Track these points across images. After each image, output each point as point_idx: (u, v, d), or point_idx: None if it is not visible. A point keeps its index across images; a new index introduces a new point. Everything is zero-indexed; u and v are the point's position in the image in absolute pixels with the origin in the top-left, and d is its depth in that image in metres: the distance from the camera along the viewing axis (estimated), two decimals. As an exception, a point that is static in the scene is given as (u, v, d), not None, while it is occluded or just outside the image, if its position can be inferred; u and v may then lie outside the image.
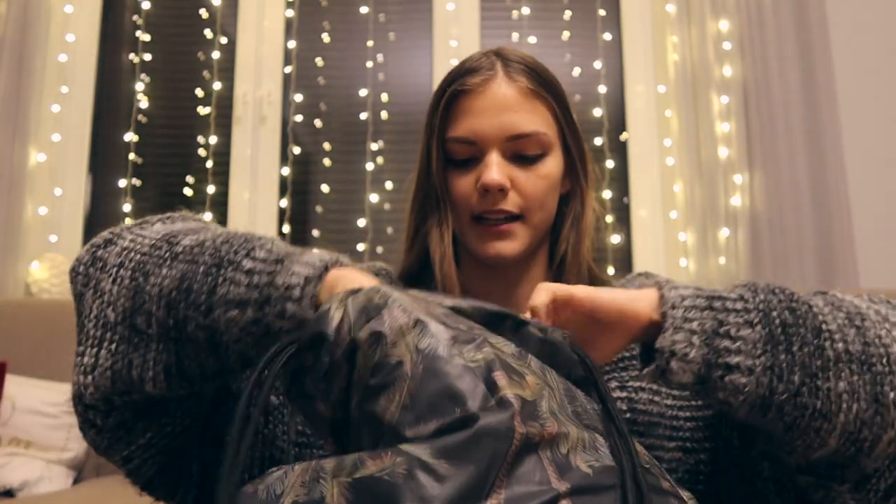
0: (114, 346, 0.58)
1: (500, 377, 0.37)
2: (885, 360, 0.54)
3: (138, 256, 0.59)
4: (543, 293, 0.54)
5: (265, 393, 0.40)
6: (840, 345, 0.54)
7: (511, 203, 0.75)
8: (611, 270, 2.35)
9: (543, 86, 0.78)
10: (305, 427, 0.68)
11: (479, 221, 0.77)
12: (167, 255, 0.58)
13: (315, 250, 0.56)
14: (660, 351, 0.53)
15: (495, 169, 0.74)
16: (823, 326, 0.55)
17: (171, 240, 0.59)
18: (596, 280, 0.84)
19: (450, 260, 0.78)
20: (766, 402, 0.52)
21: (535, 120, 0.76)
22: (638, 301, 0.56)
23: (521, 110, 0.75)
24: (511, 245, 0.76)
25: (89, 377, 0.59)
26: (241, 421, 0.39)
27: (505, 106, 0.75)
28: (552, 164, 0.78)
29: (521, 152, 0.76)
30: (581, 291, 0.55)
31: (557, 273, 0.82)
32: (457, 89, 0.77)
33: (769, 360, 0.53)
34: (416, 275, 0.83)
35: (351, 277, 0.52)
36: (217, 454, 0.67)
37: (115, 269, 0.60)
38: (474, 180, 0.76)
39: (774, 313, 0.55)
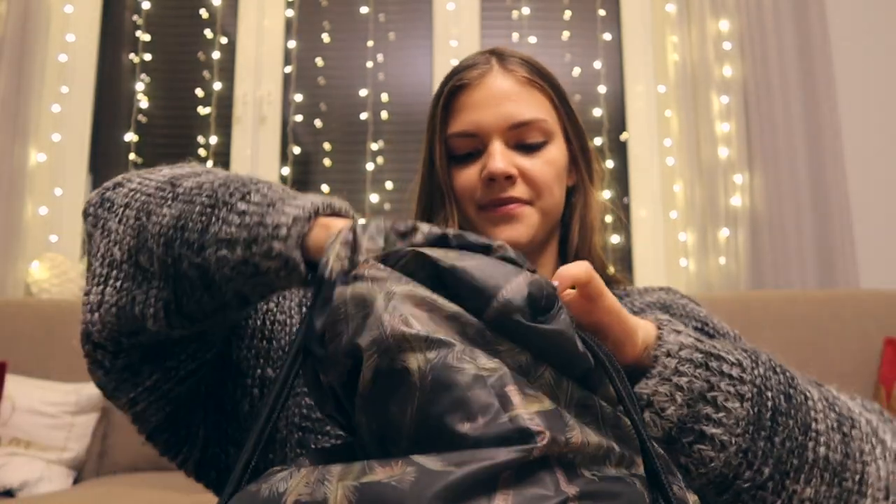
0: (119, 283, 0.59)
1: (512, 392, 0.37)
2: (857, 478, 0.52)
3: (143, 197, 0.60)
4: (583, 271, 0.46)
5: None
6: (822, 449, 0.51)
7: (519, 191, 0.75)
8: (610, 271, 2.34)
9: (540, 76, 0.78)
10: (310, 411, 0.68)
11: (486, 210, 0.75)
12: (169, 195, 0.59)
13: (312, 195, 0.55)
14: (636, 396, 0.49)
15: (499, 157, 0.73)
16: (813, 424, 0.51)
17: (174, 182, 0.60)
18: (612, 280, 0.84)
19: None
20: (726, 484, 0.50)
21: (534, 107, 0.76)
22: (636, 332, 0.50)
23: (519, 99, 0.76)
24: (521, 229, 0.74)
25: (96, 314, 0.59)
26: (275, 400, 0.40)
27: (503, 96, 0.75)
28: (556, 152, 0.77)
29: (524, 140, 0.76)
30: (612, 298, 0.48)
31: None
32: (455, 85, 0.77)
33: (746, 442, 0.49)
34: None
35: (341, 226, 0.50)
36: (220, 422, 0.68)
37: (121, 210, 0.61)
38: (478, 172, 0.75)
39: (769, 394, 0.51)
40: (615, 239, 2.36)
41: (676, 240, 2.38)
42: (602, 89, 2.48)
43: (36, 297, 2.26)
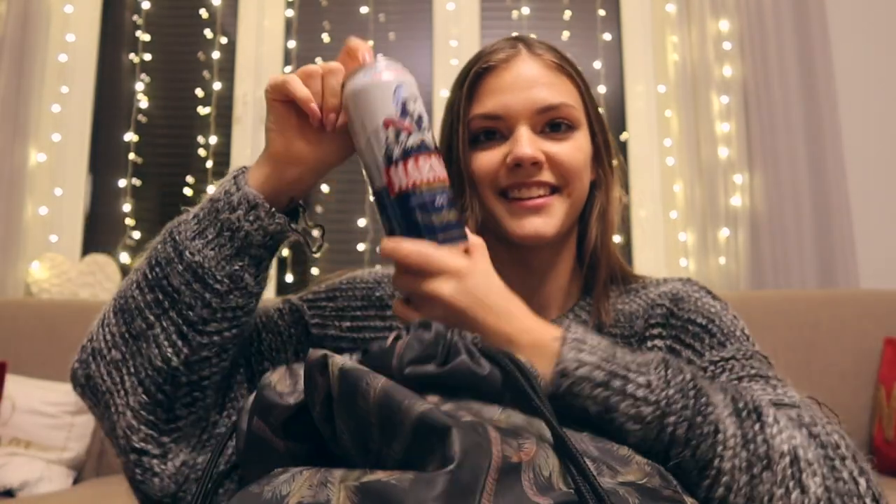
0: (132, 368, 0.61)
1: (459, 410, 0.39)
2: None
3: (112, 299, 0.65)
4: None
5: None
6: (721, 490, 0.48)
7: (546, 176, 0.71)
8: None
9: (567, 62, 0.76)
10: None
11: (510, 199, 0.72)
12: (130, 272, 0.65)
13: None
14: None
15: (526, 142, 0.70)
16: (716, 462, 0.48)
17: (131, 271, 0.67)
18: (626, 275, 0.82)
19: None
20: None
21: (563, 93, 0.73)
22: (532, 343, 0.52)
23: (548, 83, 0.73)
24: (549, 221, 0.71)
25: (128, 414, 0.61)
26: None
27: (531, 80, 0.72)
28: (583, 140, 0.75)
29: (551, 126, 0.73)
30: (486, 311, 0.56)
31: (589, 268, 0.79)
32: (481, 67, 0.74)
33: None
34: None
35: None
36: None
37: (100, 325, 0.65)
38: (501, 156, 0.71)
39: (671, 419, 0.48)
40: (615, 239, 2.36)
41: (676, 240, 2.38)
42: (602, 89, 2.48)
43: (36, 297, 2.26)
